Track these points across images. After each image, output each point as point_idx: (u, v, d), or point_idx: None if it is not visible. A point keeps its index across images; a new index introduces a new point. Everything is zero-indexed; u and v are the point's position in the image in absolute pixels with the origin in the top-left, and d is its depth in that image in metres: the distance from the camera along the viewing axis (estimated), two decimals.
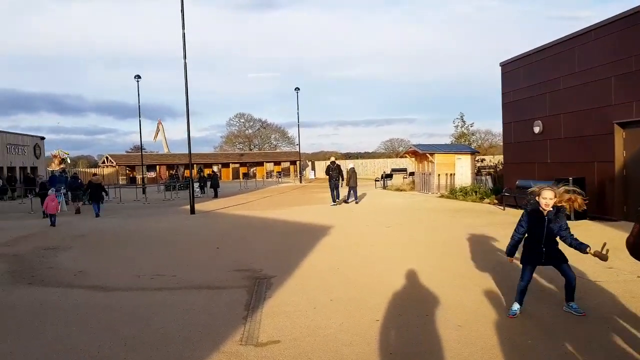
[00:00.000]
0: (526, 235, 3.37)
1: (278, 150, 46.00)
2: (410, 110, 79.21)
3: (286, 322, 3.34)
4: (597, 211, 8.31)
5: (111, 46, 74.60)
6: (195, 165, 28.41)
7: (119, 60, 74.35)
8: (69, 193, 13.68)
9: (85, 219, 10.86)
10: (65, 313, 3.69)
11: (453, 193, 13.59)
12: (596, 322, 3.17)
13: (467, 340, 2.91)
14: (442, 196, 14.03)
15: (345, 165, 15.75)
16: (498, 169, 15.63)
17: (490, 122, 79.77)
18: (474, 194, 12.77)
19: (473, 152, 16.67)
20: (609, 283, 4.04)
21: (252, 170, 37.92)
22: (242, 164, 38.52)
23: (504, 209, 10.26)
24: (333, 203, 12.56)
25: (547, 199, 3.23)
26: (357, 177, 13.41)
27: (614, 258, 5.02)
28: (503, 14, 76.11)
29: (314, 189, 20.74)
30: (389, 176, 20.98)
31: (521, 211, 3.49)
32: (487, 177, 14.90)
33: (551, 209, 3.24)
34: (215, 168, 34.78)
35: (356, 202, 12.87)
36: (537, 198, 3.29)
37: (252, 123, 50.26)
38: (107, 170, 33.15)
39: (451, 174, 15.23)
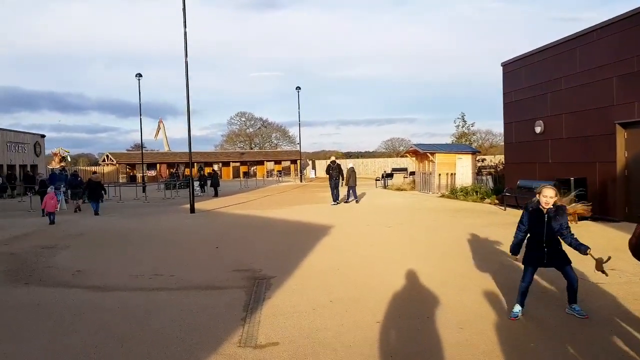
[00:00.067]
0: (528, 235, 3.35)
1: (279, 149, 45.96)
2: (411, 110, 79.19)
3: (285, 323, 3.31)
4: (598, 212, 8.27)
5: (113, 45, 74.62)
6: (195, 163, 28.40)
7: (120, 59, 74.37)
8: (69, 191, 13.65)
9: (85, 218, 10.83)
10: (62, 313, 3.66)
11: (454, 193, 13.57)
12: (599, 324, 3.14)
13: (469, 342, 2.88)
14: (442, 196, 14.00)
15: (345, 164, 15.73)
16: (499, 169, 15.59)
17: (490, 122, 79.72)
18: (474, 194, 12.74)
19: (474, 152, 16.63)
20: (612, 285, 4.01)
21: (252, 169, 37.90)
22: (243, 163, 38.50)
23: (504, 209, 10.23)
24: (333, 202, 12.53)
25: (548, 197, 3.22)
26: (357, 176, 13.39)
27: (617, 259, 4.99)
28: (504, 15, 76.00)
29: (315, 188, 20.72)
30: (390, 176, 20.95)
31: (522, 211, 3.47)
32: (488, 177, 14.86)
33: (551, 207, 3.22)
34: (215, 167, 34.77)
35: (356, 202, 12.85)
36: (537, 196, 3.28)
37: (253, 122, 50.26)
38: (107, 169, 33.15)
39: (452, 174, 15.20)
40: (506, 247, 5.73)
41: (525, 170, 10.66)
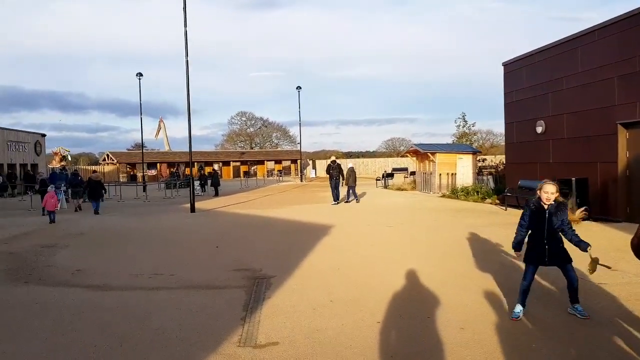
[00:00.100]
0: (530, 232, 3.35)
1: (279, 149, 45.96)
2: (411, 110, 79.19)
3: (285, 323, 3.30)
4: (599, 212, 8.25)
5: (113, 44, 74.63)
6: (196, 163, 28.39)
7: (121, 58, 74.43)
8: (69, 190, 13.65)
9: (85, 217, 10.83)
10: (61, 312, 3.65)
11: (454, 193, 13.55)
12: (601, 325, 3.12)
13: (470, 343, 2.87)
14: (443, 196, 13.98)
15: (345, 164, 15.71)
16: (499, 169, 15.56)
17: (491, 122, 79.70)
18: (475, 194, 12.72)
19: (475, 152, 16.61)
20: (613, 285, 3.99)
21: (252, 168, 37.89)
22: (243, 163, 38.51)
23: (505, 209, 10.21)
24: (334, 202, 12.52)
25: (549, 193, 3.22)
26: (357, 176, 13.37)
27: (619, 260, 5.00)
28: (504, 15, 75.89)
29: (315, 188, 20.71)
30: (390, 175, 20.94)
31: (523, 208, 3.47)
32: (489, 177, 14.84)
33: (552, 203, 3.22)
34: (216, 166, 34.76)
35: (357, 201, 12.84)
36: (538, 192, 3.28)
37: (253, 121, 50.26)
38: (107, 168, 33.17)
39: (452, 174, 15.18)
40: (507, 247, 5.73)
41: (526, 170, 10.63)
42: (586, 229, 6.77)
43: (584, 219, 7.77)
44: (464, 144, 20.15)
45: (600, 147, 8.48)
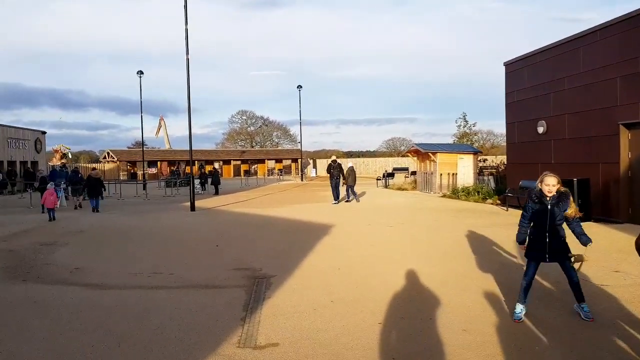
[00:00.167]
0: (532, 224, 3.34)
1: (280, 148, 45.90)
2: (412, 110, 79.09)
3: (286, 323, 3.27)
4: (601, 213, 8.22)
5: (114, 42, 74.53)
6: (196, 161, 28.37)
7: (121, 56, 74.35)
8: (69, 188, 13.62)
9: (85, 215, 10.80)
10: (59, 311, 3.62)
11: (455, 193, 13.52)
12: (603, 327, 3.10)
13: (472, 345, 2.84)
14: (444, 196, 13.95)
15: (345, 164, 15.68)
16: (500, 170, 15.54)
17: (491, 123, 79.59)
18: (476, 194, 12.69)
19: (475, 152, 16.57)
20: (616, 287, 3.96)
21: (253, 167, 37.84)
22: (244, 161, 38.45)
23: (507, 210, 10.19)
24: (334, 201, 12.50)
25: (550, 185, 3.20)
26: (358, 176, 13.34)
27: (621, 261, 4.98)
28: (505, 15, 75.74)
29: (315, 187, 20.67)
30: (391, 175, 20.92)
31: (525, 200, 3.46)
32: (490, 177, 14.81)
33: (554, 194, 3.20)
34: (216, 165, 34.70)
35: (357, 201, 12.82)
36: (539, 185, 3.25)
37: (254, 120, 50.18)
38: (107, 166, 33.13)
39: (453, 174, 15.14)
40: (508, 248, 5.71)
41: (527, 170, 10.59)
42: (587, 230, 6.67)
43: (585, 219, 7.73)
44: (465, 144, 20.12)
45: (602, 147, 8.45)
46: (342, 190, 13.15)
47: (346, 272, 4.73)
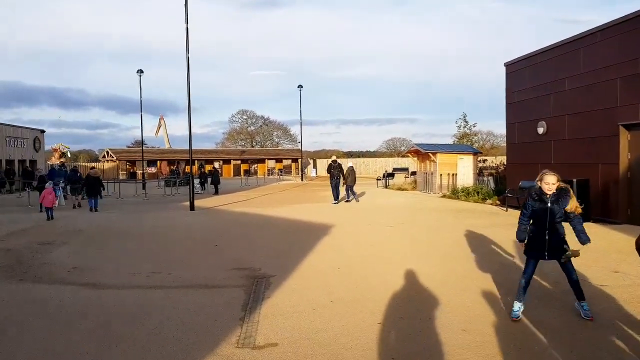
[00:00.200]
0: (531, 222, 3.34)
1: (280, 148, 45.87)
2: (411, 111, 79.14)
3: (285, 323, 3.26)
4: (600, 213, 8.22)
5: (114, 41, 74.40)
6: (196, 161, 28.33)
7: (122, 55, 74.20)
8: (68, 187, 13.59)
9: (83, 214, 10.77)
10: (55, 311, 3.60)
11: (455, 193, 13.52)
12: (602, 327, 3.10)
13: (472, 345, 2.83)
14: (444, 196, 13.95)
15: (345, 164, 15.69)
16: (500, 170, 15.55)
17: (491, 123, 79.69)
18: (476, 194, 12.69)
19: (475, 153, 16.58)
20: (614, 288, 3.96)
21: (253, 167, 37.81)
22: (244, 161, 38.41)
23: (506, 210, 10.19)
24: (334, 201, 12.49)
25: (550, 183, 3.19)
26: (358, 176, 13.33)
27: (620, 261, 4.97)
28: (505, 16, 75.85)
29: (315, 187, 20.66)
30: (391, 175, 20.92)
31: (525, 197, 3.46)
32: (489, 177, 14.82)
33: (554, 192, 3.20)
34: (216, 164, 34.68)
35: (357, 201, 12.81)
36: (539, 183, 3.25)
37: (254, 120, 50.14)
38: (107, 165, 33.07)
39: (453, 174, 15.14)
40: (508, 248, 5.70)
41: (527, 171, 10.59)
42: (587, 231, 6.71)
43: (584, 220, 7.73)
44: (465, 145, 20.12)
45: (602, 148, 8.45)
46: (342, 191, 13.14)
47: (346, 272, 4.72)
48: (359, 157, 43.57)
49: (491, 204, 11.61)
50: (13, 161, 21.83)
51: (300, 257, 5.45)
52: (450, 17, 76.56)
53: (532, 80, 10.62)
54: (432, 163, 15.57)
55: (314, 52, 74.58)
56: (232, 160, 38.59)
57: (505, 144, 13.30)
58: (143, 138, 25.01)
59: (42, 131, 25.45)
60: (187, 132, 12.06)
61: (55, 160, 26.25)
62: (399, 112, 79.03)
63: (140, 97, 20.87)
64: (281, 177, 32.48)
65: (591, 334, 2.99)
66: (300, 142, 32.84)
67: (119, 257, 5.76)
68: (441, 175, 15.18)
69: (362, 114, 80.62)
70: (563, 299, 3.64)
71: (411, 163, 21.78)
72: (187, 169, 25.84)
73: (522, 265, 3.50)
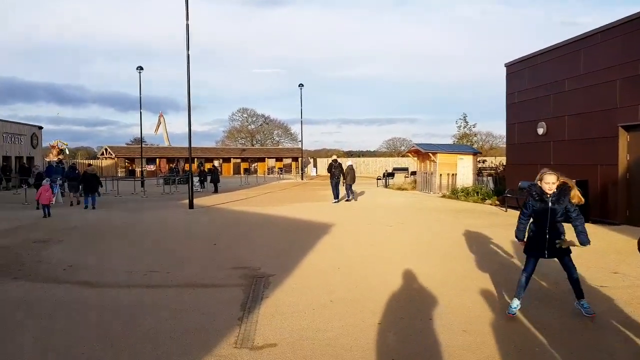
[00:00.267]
0: (531, 221, 3.32)
1: (280, 147, 45.79)
2: (412, 111, 79.11)
3: (284, 323, 3.22)
4: (599, 214, 8.24)
5: (114, 37, 73.91)
6: (196, 159, 28.22)
7: (121, 52, 73.70)
8: (66, 184, 13.51)
9: (80, 212, 10.71)
10: (49, 310, 3.55)
11: (455, 193, 13.52)
12: (602, 328, 3.08)
13: (472, 346, 2.81)
14: (443, 196, 13.95)
15: (345, 163, 15.66)
16: (499, 171, 15.56)
17: (490, 124, 79.82)
18: (475, 194, 12.69)
19: (475, 153, 16.59)
20: (614, 289, 3.95)
21: (253, 165, 37.73)
22: (244, 159, 38.32)
23: (506, 210, 10.19)
24: (334, 200, 12.48)
25: (550, 183, 3.18)
26: (357, 175, 13.31)
27: (619, 262, 4.97)
28: (505, 18, 75.90)
29: (315, 186, 20.63)
30: (391, 175, 20.92)
31: (525, 197, 3.46)
32: (489, 178, 14.84)
33: (554, 191, 3.19)
34: (216, 163, 34.56)
35: (355, 200, 12.80)
36: (539, 183, 3.23)
37: (255, 118, 50.00)
38: (105, 162, 32.92)
39: (453, 174, 15.15)
40: (508, 248, 5.69)
41: (526, 171, 10.59)
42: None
43: None
44: (464, 145, 20.12)
45: (601, 149, 8.46)
46: (343, 190, 13.12)
47: (346, 271, 4.69)
48: (359, 156, 43.57)
49: (490, 204, 11.61)
50: (10, 158, 21.68)
51: (300, 256, 5.42)
52: (451, 18, 76.58)
53: (533, 81, 10.61)
54: (432, 163, 15.56)
55: (315, 51, 74.46)
56: (232, 159, 38.50)
57: (504, 145, 13.33)
58: (142, 135, 24.91)
59: (40, 127, 25.29)
60: (187, 130, 12.00)
61: (53, 157, 26.09)
62: (399, 112, 79.09)
63: (140, 94, 20.76)
64: (281, 176, 32.43)
65: (591, 335, 2.98)
66: (301, 140, 32.82)
67: (115, 255, 5.71)
68: (441, 175, 15.17)
69: (363, 114, 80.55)
70: (563, 299, 3.62)
71: (411, 163, 21.79)
72: (187, 167, 25.72)
73: (522, 266, 3.48)
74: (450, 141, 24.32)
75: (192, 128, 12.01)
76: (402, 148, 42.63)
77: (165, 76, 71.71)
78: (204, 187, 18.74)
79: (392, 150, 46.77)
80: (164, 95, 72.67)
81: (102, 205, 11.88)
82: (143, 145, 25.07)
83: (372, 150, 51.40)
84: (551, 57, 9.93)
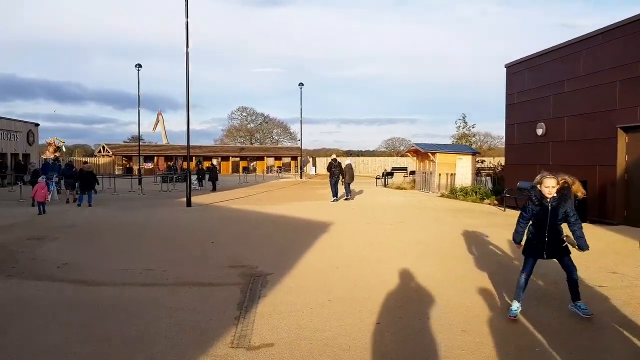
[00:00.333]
0: (530, 223, 3.31)
1: (279, 145, 45.72)
2: (412, 111, 79.22)
3: (281, 323, 3.19)
4: (597, 215, 8.26)
5: (113, 34, 73.50)
6: (194, 157, 28.11)
7: (120, 49, 73.35)
8: (62, 181, 13.41)
9: (76, 209, 10.63)
10: (42, 308, 3.50)
11: (453, 193, 13.52)
12: (601, 329, 3.07)
13: (471, 346, 2.78)
14: (442, 196, 13.95)
15: (344, 162, 15.63)
16: (497, 171, 15.59)
17: (489, 125, 79.99)
18: (474, 194, 12.70)
19: (474, 153, 16.61)
20: (613, 289, 3.94)
21: (252, 164, 37.64)
22: (243, 158, 38.21)
23: (504, 210, 10.20)
24: (333, 199, 12.45)
25: (550, 187, 3.17)
26: (356, 174, 13.30)
27: (618, 263, 4.97)
28: (505, 18, 76.05)
29: (314, 185, 20.61)
30: (390, 174, 20.92)
31: (525, 200, 3.44)
32: (487, 178, 14.86)
33: (554, 196, 3.17)
34: (214, 161, 34.47)
35: (351, 198, 12.80)
36: (539, 187, 3.21)
37: (254, 117, 49.88)
38: (102, 160, 32.74)
39: (452, 174, 15.15)
40: (506, 248, 5.67)
41: (525, 171, 10.60)
42: (584, 231, 6.74)
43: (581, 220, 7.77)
44: (463, 145, 20.15)
45: (600, 150, 8.47)
46: (342, 189, 13.10)
47: (344, 270, 4.66)
48: (358, 156, 43.57)
49: (489, 204, 11.62)
50: (5, 154, 21.52)
51: (298, 255, 5.38)
52: (451, 18, 76.74)
53: (532, 81, 10.61)
54: (431, 163, 15.56)
55: (315, 51, 74.41)
56: (230, 157, 38.39)
57: (502, 145, 13.35)
58: (140, 133, 24.78)
59: (36, 124, 25.11)
60: (185, 128, 11.92)
61: (50, 154, 25.90)
62: (399, 112, 79.15)
63: (139, 92, 20.63)
64: (280, 174, 32.36)
65: (591, 335, 2.96)
66: (300, 140, 32.78)
67: (111, 253, 5.65)
68: (440, 175, 15.18)
69: (363, 114, 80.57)
70: (562, 299, 3.60)
71: (410, 162, 21.79)
72: (185, 164, 25.60)
73: (521, 266, 3.46)
74: (449, 141, 24.36)
75: (191, 126, 11.96)
76: (402, 148, 42.72)
77: (164, 74, 71.54)
78: (202, 185, 18.66)
79: (392, 150, 46.83)
80: (163, 94, 72.42)
81: (99, 202, 11.80)
82: (141, 143, 24.93)
83: (371, 149, 51.46)
84: (552, 58, 9.93)
